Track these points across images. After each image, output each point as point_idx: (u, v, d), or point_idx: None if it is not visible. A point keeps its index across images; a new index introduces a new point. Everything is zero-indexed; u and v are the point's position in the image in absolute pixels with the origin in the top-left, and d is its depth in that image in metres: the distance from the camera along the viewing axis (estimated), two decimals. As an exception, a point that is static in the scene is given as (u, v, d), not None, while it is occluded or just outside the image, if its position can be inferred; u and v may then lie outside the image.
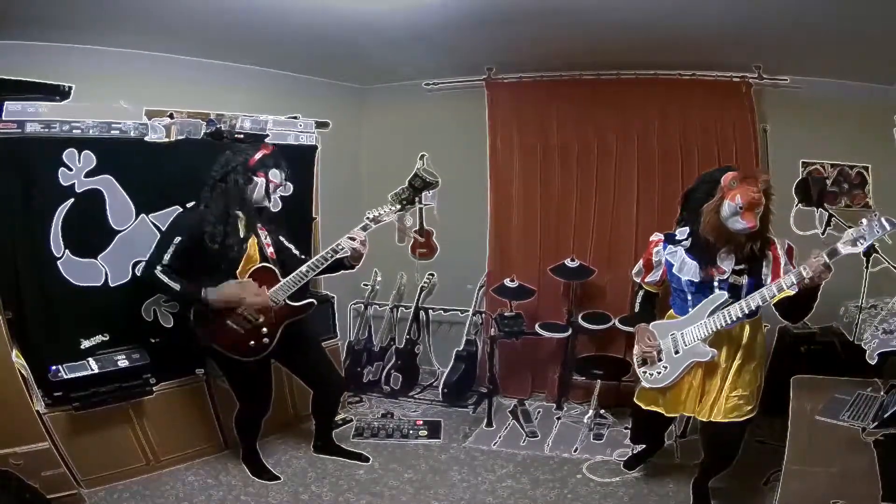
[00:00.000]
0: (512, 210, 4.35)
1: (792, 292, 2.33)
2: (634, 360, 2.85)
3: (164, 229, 2.91)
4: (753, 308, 2.45)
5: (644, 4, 3.00)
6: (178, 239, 2.79)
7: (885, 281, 3.06)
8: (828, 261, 2.20)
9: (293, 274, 2.93)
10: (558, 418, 3.98)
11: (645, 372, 2.77)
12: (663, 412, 2.79)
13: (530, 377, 4.35)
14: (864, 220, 2.17)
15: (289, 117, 3.55)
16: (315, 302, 3.12)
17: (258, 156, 2.90)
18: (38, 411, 2.70)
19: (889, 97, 3.75)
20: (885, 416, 2.26)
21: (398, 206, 3.09)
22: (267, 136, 3.33)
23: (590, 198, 4.18)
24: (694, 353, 2.61)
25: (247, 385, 3.07)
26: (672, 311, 2.80)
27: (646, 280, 2.82)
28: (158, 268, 2.76)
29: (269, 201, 2.97)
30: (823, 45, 3.32)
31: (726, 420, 2.57)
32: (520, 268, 4.25)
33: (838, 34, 3.10)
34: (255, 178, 2.88)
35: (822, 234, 3.36)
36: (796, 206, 3.77)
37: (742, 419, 2.58)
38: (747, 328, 2.60)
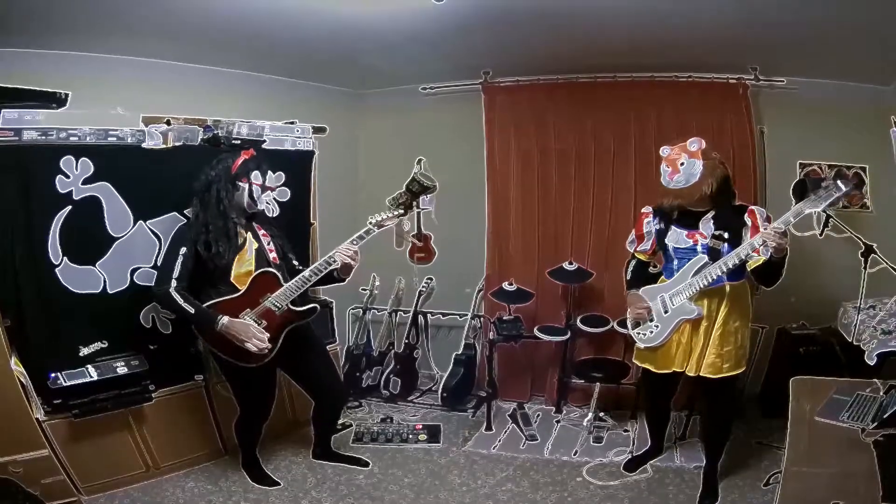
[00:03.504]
0: (510, 213, 4.35)
1: (764, 258, 2.62)
2: (629, 325, 3.07)
3: (167, 245, 2.89)
4: (731, 266, 2.67)
5: (640, 7, 3.01)
6: (183, 250, 2.78)
7: (883, 282, 3.06)
8: (783, 228, 2.49)
9: (296, 279, 2.93)
10: (558, 421, 3.97)
11: (638, 333, 3.02)
12: (653, 369, 3.00)
13: (529, 380, 4.34)
14: (822, 185, 2.50)
15: (286, 123, 3.55)
16: (318, 307, 3.11)
17: (239, 161, 2.91)
18: (37, 419, 2.69)
19: (886, 98, 3.76)
20: (885, 416, 2.26)
21: (400, 211, 3.12)
22: (264, 141, 3.33)
23: (587, 200, 4.18)
24: (681, 312, 2.86)
25: (248, 390, 3.06)
26: (663, 276, 3.02)
27: (637, 249, 3.11)
28: (172, 284, 2.73)
29: (257, 205, 2.95)
30: (820, 47, 3.33)
31: (715, 377, 2.80)
32: (518, 271, 4.25)
33: (835, 35, 3.12)
34: (240, 184, 2.88)
35: (820, 234, 3.36)
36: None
37: (727, 375, 2.81)
38: (729, 289, 2.80)
